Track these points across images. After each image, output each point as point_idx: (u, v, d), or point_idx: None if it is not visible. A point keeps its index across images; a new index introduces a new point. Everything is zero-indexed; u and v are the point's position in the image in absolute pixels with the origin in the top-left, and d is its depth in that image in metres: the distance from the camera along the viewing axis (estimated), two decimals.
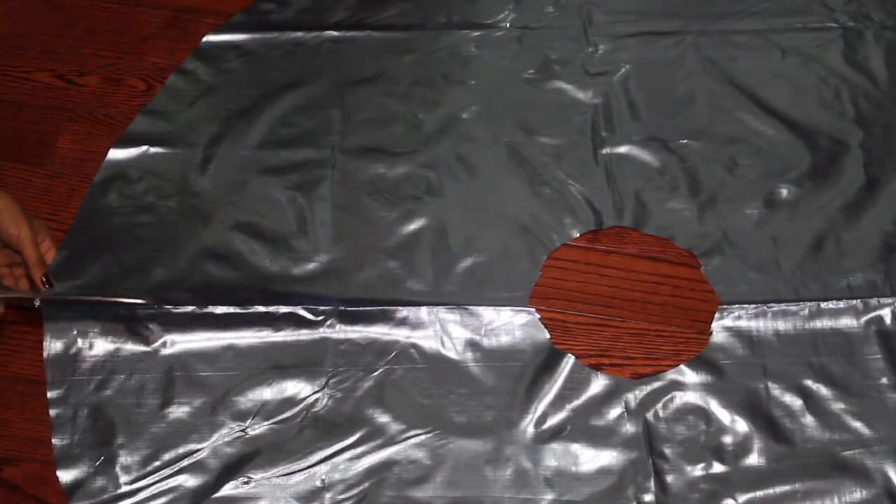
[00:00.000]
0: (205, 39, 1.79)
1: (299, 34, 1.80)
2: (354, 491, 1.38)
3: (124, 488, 1.38)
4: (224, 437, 1.41)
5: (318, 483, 1.38)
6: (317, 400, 1.44)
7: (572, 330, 1.50)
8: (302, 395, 1.44)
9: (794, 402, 1.43)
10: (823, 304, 1.49)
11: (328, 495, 1.37)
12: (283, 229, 1.58)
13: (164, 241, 1.57)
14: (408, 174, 1.64)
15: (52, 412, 1.43)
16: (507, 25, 1.80)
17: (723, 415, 1.42)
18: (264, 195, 1.62)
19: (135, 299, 1.49)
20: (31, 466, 1.41)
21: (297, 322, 1.49)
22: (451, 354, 1.48)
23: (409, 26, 1.80)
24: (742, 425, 1.41)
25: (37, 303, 1.46)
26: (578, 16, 1.80)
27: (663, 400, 1.43)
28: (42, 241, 1.47)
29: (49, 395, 1.44)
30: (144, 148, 1.66)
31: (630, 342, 1.49)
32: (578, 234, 1.58)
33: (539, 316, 1.50)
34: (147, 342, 1.48)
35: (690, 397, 1.43)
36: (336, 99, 1.73)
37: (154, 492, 1.37)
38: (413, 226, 1.59)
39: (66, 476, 1.39)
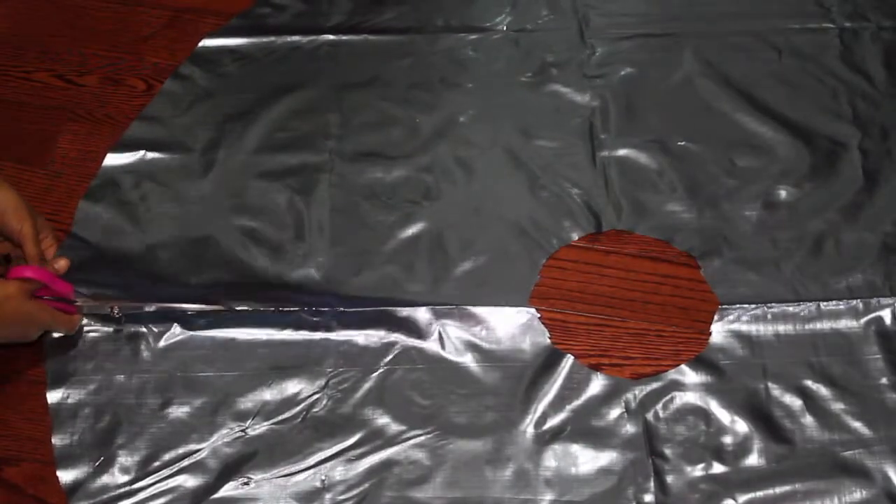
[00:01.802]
0: (201, 44, 1.79)
1: (296, 38, 1.80)
2: (354, 492, 1.37)
3: (124, 488, 1.37)
4: (224, 437, 1.41)
5: (318, 484, 1.38)
6: (317, 400, 1.44)
7: (572, 330, 1.50)
8: (302, 396, 1.44)
9: (794, 402, 1.42)
10: (823, 305, 1.49)
11: (328, 496, 1.37)
12: (282, 233, 1.58)
13: (161, 246, 1.57)
14: (405, 178, 1.64)
15: (52, 412, 1.43)
16: (504, 28, 1.80)
17: (723, 415, 1.42)
18: (262, 199, 1.62)
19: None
20: (31, 466, 1.40)
21: (297, 323, 1.49)
22: (451, 355, 1.47)
23: (405, 30, 1.81)
24: (742, 426, 1.41)
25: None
26: (575, 18, 1.80)
27: (663, 400, 1.43)
28: (44, 238, 1.47)
29: (49, 395, 1.44)
30: (141, 153, 1.66)
31: (630, 342, 1.49)
32: (577, 237, 1.58)
33: (539, 316, 1.50)
34: (147, 342, 1.48)
35: (690, 398, 1.43)
36: (333, 103, 1.73)
37: (154, 492, 1.37)
38: (411, 229, 1.59)
39: (65, 476, 1.38)
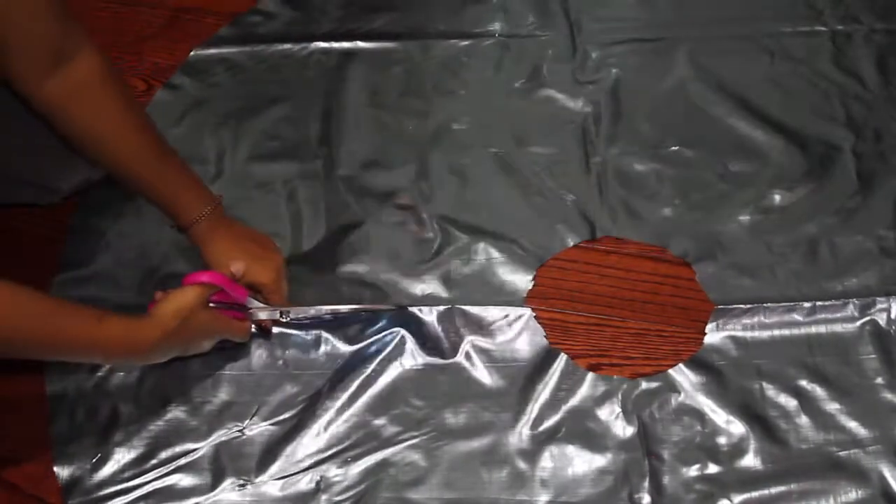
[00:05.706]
0: (192, 54, 1.80)
1: (287, 46, 1.81)
2: (351, 493, 1.37)
3: (120, 486, 1.37)
4: (221, 437, 1.41)
5: (314, 485, 1.38)
6: (313, 402, 1.43)
7: (572, 330, 1.50)
8: (299, 398, 1.44)
9: (789, 402, 1.42)
10: (818, 307, 1.49)
11: (324, 497, 1.37)
12: (274, 241, 1.57)
13: (154, 255, 1.58)
14: (399, 185, 1.65)
15: (52, 410, 1.43)
16: (497, 35, 1.81)
17: (718, 416, 1.42)
18: (255, 206, 1.62)
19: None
20: (31, 466, 1.40)
21: (292, 325, 1.50)
22: (447, 356, 1.47)
23: (397, 36, 1.81)
24: (737, 426, 1.41)
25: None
26: (567, 24, 1.81)
27: (658, 401, 1.43)
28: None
29: (49, 393, 1.44)
30: None
31: (630, 342, 1.49)
32: (572, 243, 1.58)
33: (534, 316, 1.50)
34: None
35: (685, 398, 1.43)
36: (325, 110, 1.73)
37: (150, 490, 1.37)
38: (405, 235, 1.60)
39: (63, 473, 1.38)
